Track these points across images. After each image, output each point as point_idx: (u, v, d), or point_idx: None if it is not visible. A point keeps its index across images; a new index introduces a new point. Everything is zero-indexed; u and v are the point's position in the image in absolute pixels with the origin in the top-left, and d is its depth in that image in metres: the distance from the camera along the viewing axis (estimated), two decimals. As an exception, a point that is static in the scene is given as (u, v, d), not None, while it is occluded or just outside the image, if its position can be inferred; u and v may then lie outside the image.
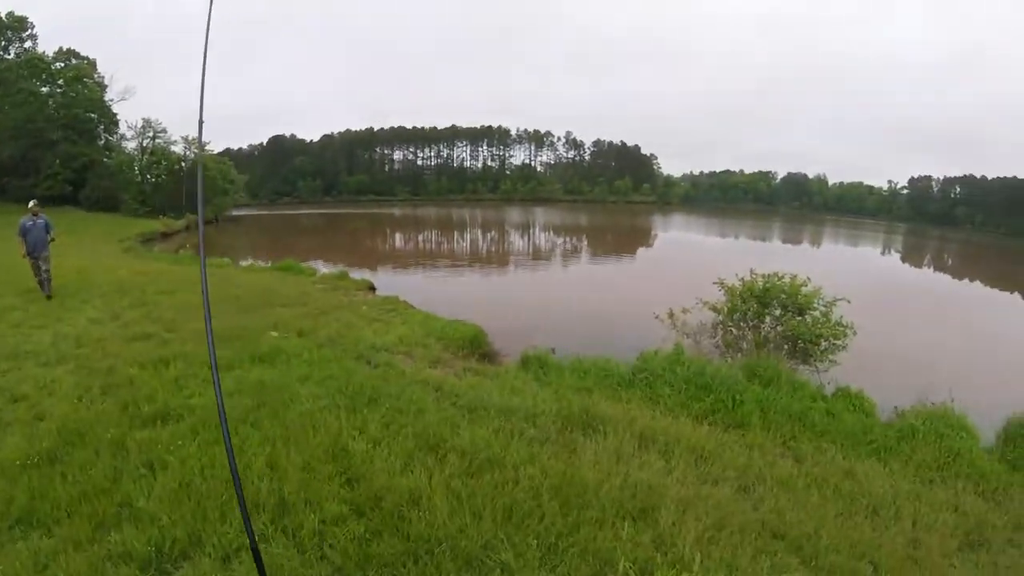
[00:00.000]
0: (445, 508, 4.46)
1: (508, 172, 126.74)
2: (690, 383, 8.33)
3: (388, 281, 21.62)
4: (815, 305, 11.57)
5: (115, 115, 63.47)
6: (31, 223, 13.31)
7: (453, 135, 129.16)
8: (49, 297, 13.22)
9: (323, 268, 22.53)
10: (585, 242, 40.40)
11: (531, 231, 50.92)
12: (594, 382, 8.47)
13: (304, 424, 5.95)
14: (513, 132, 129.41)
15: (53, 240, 13.74)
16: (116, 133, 64.50)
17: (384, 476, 4.96)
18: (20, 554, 4.15)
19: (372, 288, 18.45)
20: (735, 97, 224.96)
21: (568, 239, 43.26)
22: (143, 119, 61.40)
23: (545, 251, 34.40)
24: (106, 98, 62.29)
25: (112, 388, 7.22)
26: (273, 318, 11.28)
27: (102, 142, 62.61)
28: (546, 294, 20.94)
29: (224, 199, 61.39)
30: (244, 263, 25.13)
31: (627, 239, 45.01)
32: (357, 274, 20.93)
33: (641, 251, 38.21)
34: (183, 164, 59.38)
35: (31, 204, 13.84)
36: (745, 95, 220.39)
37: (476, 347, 10.99)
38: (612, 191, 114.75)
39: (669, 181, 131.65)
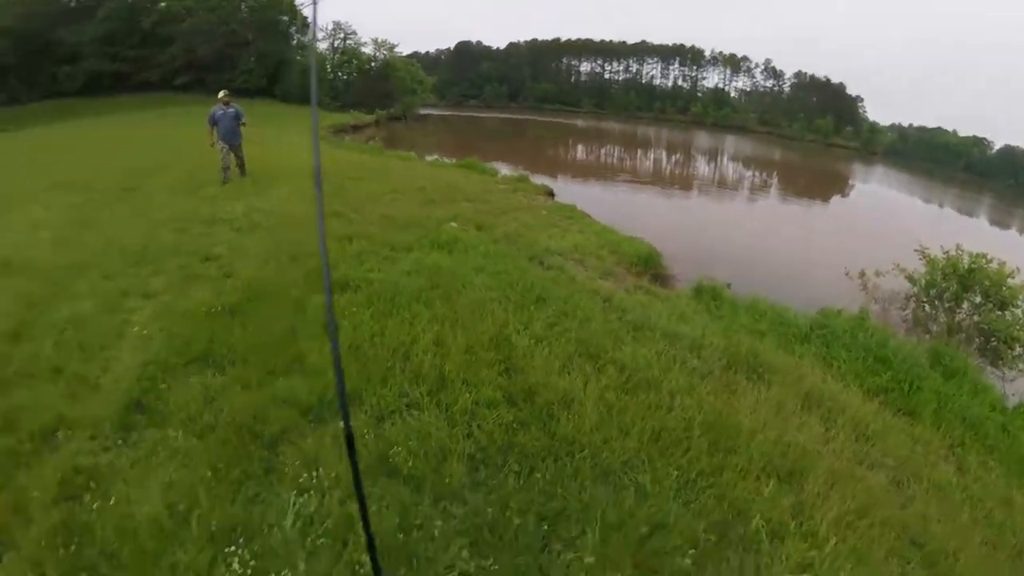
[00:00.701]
0: (594, 417, 4.40)
1: (699, 94, 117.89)
2: (869, 353, 7.46)
3: (567, 190, 21.37)
4: (1019, 302, 9.98)
5: (305, 18, 65.82)
6: (221, 112, 13.09)
7: (643, 51, 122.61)
8: (243, 175, 13.72)
9: (504, 170, 22.65)
10: (776, 179, 37.50)
11: (719, 159, 48.07)
12: (768, 327, 7.90)
13: (473, 310, 6.04)
14: (707, 53, 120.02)
15: (245, 125, 13.55)
16: (307, 35, 67.51)
17: (541, 373, 4.94)
18: (192, 387, 4.61)
19: (551, 194, 18.26)
20: (961, 53, 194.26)
21: (758, 173, 40.37)
22: (333, 22, 64.27)
23: (731, 182, 32.44)
24: (296, 1, 65.09)
25: (298, 257, 7.64)
26: (454, 211, 11.47)
27: (294, 42, 65.85)
28: (727, 227, 19.75)
29: (412, 98, 63.73)
30: (429, 158, 25.82)
31: (821, 183, 40.77)
32: (537, 179, 20.86)
33: (835, 199, 34.56)
34: (372, 64, 61.80)
35: (221, 94, 13.53)
36: (974, 49, 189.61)
37: (649, 267, 10.67)
38: (811, 129, 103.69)
39: (874, 128, 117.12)
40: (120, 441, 4.11)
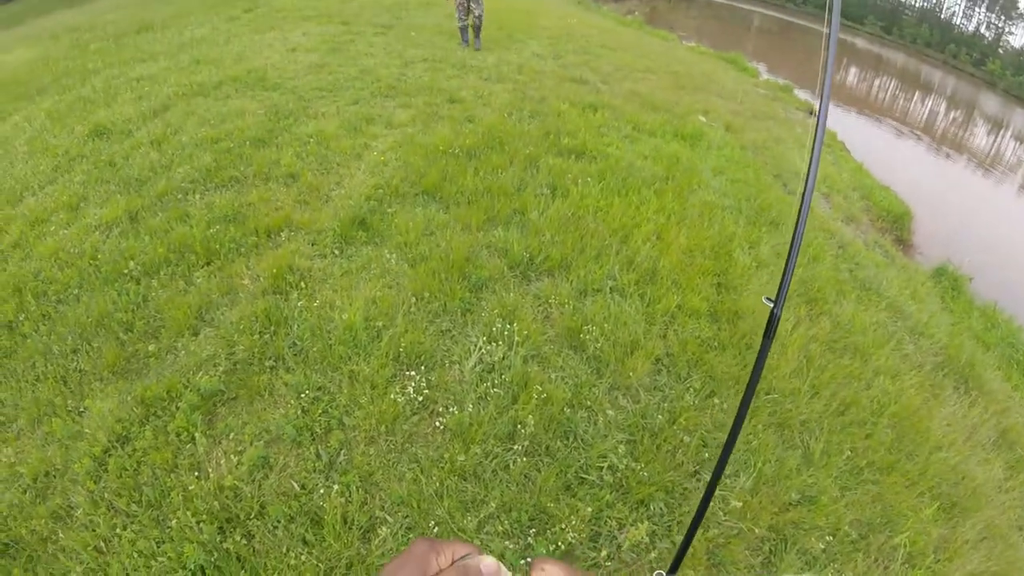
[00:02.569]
0: (792, 364, 4.01)
1: (1000, 51, 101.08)
2: None
3: (830, 113, 19.44)
4: None
5: None
6: None
7: None
8: (477, 43, 11.06)
9: (765, 74, 21.00)
10: None
11: (1001, 132, 41.18)
12: (996, 341, 6.77)
13: (702, 212, 5.65)
14: (1022, 5, 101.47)
15: None
16: None
17: (754, 299, 4.54)
18: (416, 216, 4.79)
19: (813, 113, 16.67)
20: None
21: None
22: None
23: (1008, 163, 27.76)
24: None
25: (540, 115, 7.54)
26: (705, 104, 10.69)
27: None
28: (987, 211, 16.92)
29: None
30: (688, 43, 24.45)
31: None
32: (800, 93, 19.19)
33: None
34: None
35: None
36: None
37: (896, 227, 9.48)
38: None
39: None
40: (337, 251, 4.37)
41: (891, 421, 3.96)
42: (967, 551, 3.39)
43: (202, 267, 4.20)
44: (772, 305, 0.60)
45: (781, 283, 0.59)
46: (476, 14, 10.68)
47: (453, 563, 0.62)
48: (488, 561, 0.62)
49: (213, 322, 3.72)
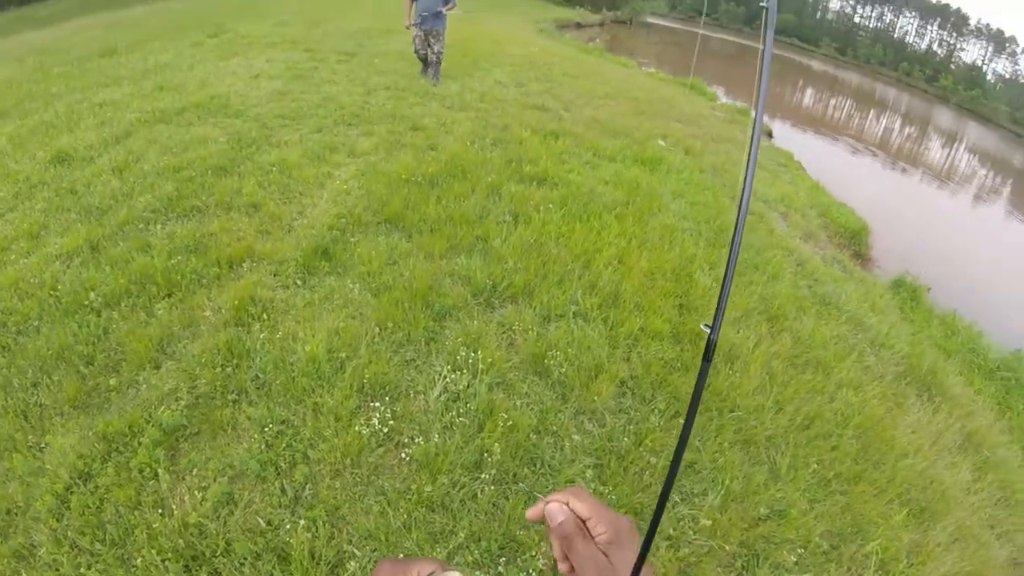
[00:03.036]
0: (755, 381, 4.11)
1: (952, 67, 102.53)
2: None
3: (786, 133, 19.86)
4: None
5: None
6: None
7: (903, 1, 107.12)
8: (436, 79, 10.63)
9: (724, 97, 21.46)
10: (1010, 188, 32.38)
11: (955, 146, 42.35)
12: (956, 348, 6.99)
13: (663, 236, 5.79)
14: (972, 22, 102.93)
15: (452, 8, 10.34)
16: None
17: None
18: (379, 245, 4.82)
19: (770, 135, 17.07)
20: None
21: (992, 175, 35.03)
22: None
23: (961, 176, 28.53)
24: None
25: (502, 143, 7.67)
26: (664, 128, 10.93)
27: None
28: (942, 223, 17.43)
29: (641, 3, 61.59)
30: (648, 69, 24.88)
31: None
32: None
33: None
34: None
35: None
36: None
37: (854, 242, 9.72)
38: None
39: None
40: (300, 282, 4.36)
41: (856, 432, 4.08)
42: (940, 554, 3.49)
43: (163, 299, 4.15)
44: (709, 331, 0.63)
45: (717, 308, 0.62)
46: (435, 49, 10.44)
47: None
48: (454, 575, 0.64)
49: (175, 355, 3.67)
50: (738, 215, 0.75)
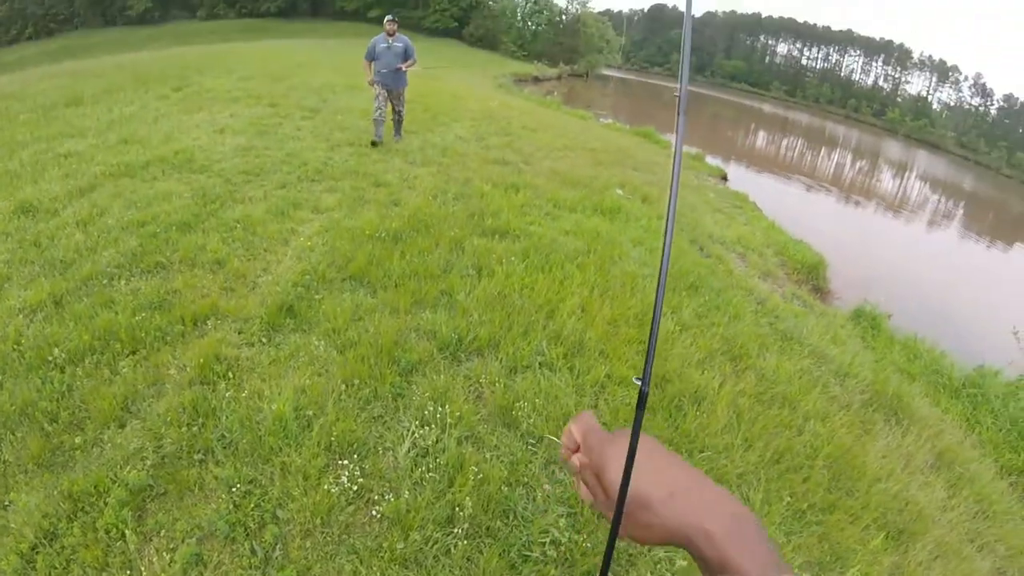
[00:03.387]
0: (722, 420, 4.20)
1: (899, 99, 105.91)
2: (1015, 427, 6.48)
3: (740, 175, 20.44)
4: None
5: None
6: (384, 45, 9.90)
7: (848, 41, 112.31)
8: (398, 136, 10.74)
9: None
10: (961, 210, 33.51)
11: (905, 175, 43.74)
12: (920, 371, 7.18)
13: (624, 283, 5.91)
14: (915, 56, 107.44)
15: (412, 65, 10.21)
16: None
17: (678, 362, 4.78)
18: (344, 301, 4.86)
19: (724, 178, 17.55)
20: None
21: (943, 200, 36.21)
22: None
23: (913, 203, 29.48)
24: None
25: (464, 197, 7.81)
26: (622, 177, 11.20)
27: None
28: (898, 251, 17.96)
29: (597, 56, 63.63)
30: (604, 120, 25.51)
31: (1009, 226, 35.55)
32: (712, 160, 20.15)
33: (1021, 247, 29.75)
34: (563, 17, 61.91)
35: (387, 20, 10.17)
36: None
37: (812, 277, 9.98)
38: (1010, 163, 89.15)
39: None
40: (265, 339, 4.36)
41: (827, 462, 4.16)
42: (922, 573, 3.56)
43: (127, 356, 4.11)
44: (640, 384, 0.67)
45: (646, 362, 0.66)
46: (397, 109, 10.46)
47: None
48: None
49: (139, 413, 3.64)
50: (661, 267, 0.81)
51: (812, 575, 3.25)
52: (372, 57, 10.03)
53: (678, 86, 0.86)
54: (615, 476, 0.67)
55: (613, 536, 0.69)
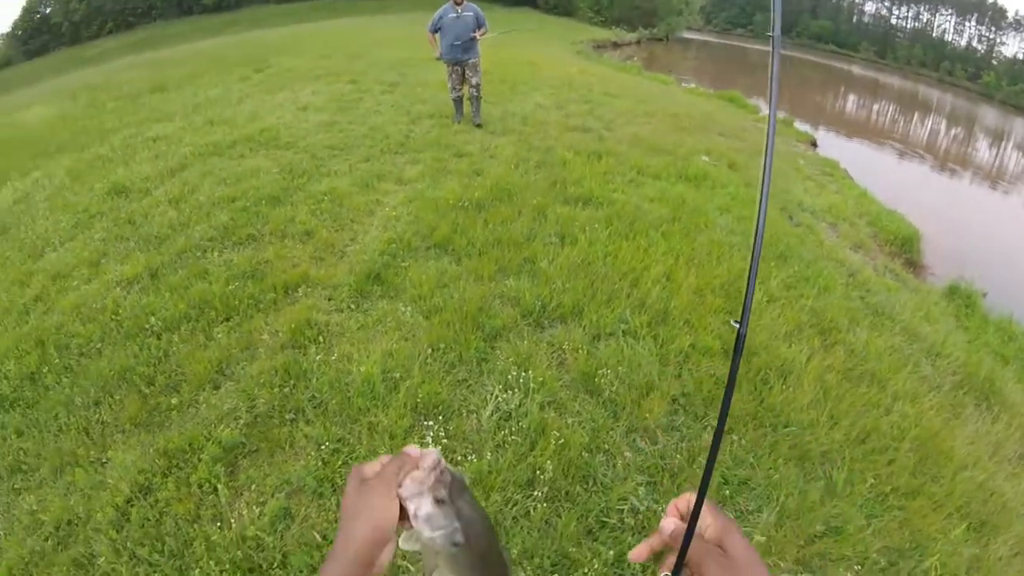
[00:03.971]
0: (808, 395, 4.02)
1: (994, 62, 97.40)
2: None
3: (830, 141, 19.43)
4: None
5: None
6: (454, 15, 8.94)
7: None
8: (478, 126, 9.69)
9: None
10: None
11: (1003, 144, 40.76)
12: (1015, 354, 6.72)
13: (711, 251, 5.75)
14: (1011, 14, 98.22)
15: (485, 33, 9.31)
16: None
17: (766, 335, 4.60)
18: (429, 269, 4.93)
19: (814, 144, 16.77)
20: None
21: None
22: None
23: (1012, 174, 27.58)
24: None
25: (546, 165, 7.75)
26: (707, 144, 10.88)
27: None
28: (996, 224, 16.69)
29: (677, 19, 61.62)
30: (687, 84, 24.82)
31: None
32: (800, 125, 19.35)
33: None
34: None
35: None
36: None
37: (905, 249, 9.46)
38: None
39: None
40: (353, 306, 4.48)
41: (913, 445, 3.94)
42: (1000, 568, 3.37)
43: (222, 323, 4.31)
44: (738, 326, 0.66)
45: (745, 302, 0.65)
46: (473, 83, 9.46)
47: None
48: (418, 450, 0.76)
49: (233, 376, 3.80)
50: (759, 213, 0.79)
51: (888, 561, 3.15)
52: (436, 29, 9.12)
53: (770, 51, 0.83)
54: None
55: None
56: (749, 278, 0.73)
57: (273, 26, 40.47)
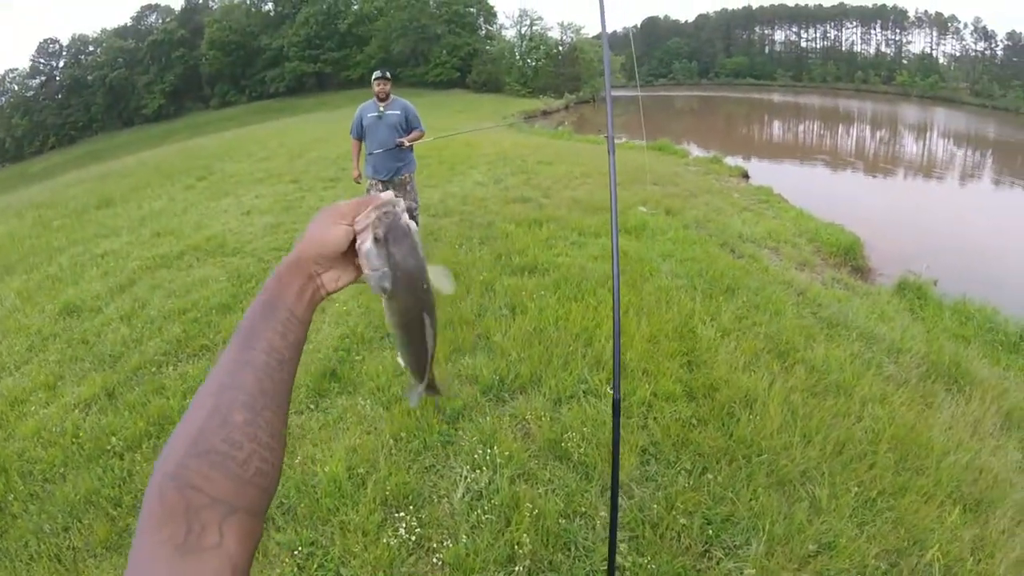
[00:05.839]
0: (777, 420, 4.08)
1: (904, 61, 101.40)
2: None
3: (762, 170, 20.18)
4: None
5: (492, 7, 72.26)
6: (375, 113, 6.71)
7: (841, 14, 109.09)
8: None
9: (696, 151, 21.95)
10: (990, 160, 32.32)
11: (927, 135, 42.54)
12: (974, 332, 6.93)
13: (659, 298, 5.90)
14: (911, 14, 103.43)
15: (421, 136, 6.96)
16: (495, 24, 72.96)
17: (724, 368, 4.70)
18: (385, 360, 5.00)
19: (745, 175, 17.28)
20: None
21: (970, 153, 34.86)
22: (519, 8, 67.35)
23: (941, 163, 28.60)
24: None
25: (489, 239, 7.94)
26: (643, 195, 11.21)
27: (482, 32, 69.86)
28: (934, 215, 17.21)
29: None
30: (618, 141, 25.54)
31: None
32: (731, 160, 19.98)
33: None
34: (560, 48, 62.98)
35: (375, 78, 6.79)
36: None
37: (849, 258, 9.78)
38: None
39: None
40: (312, 406, 4.48)
41: (891, 444, 4.01)
42: (1006, 541, 3.40)
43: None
44: (614, 392, 0.68)
45: (614, 370, 0.69)
46: (405, 207, 7.05)
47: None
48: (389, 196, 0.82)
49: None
50: (614, 288, 0.84)
51: (889, 564, 3.15)
52: (360, 134, 6.93)
53: (607, 128, 0.90)
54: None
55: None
56: (615, 347, 0.78)
57: (213, 132, 41.14)
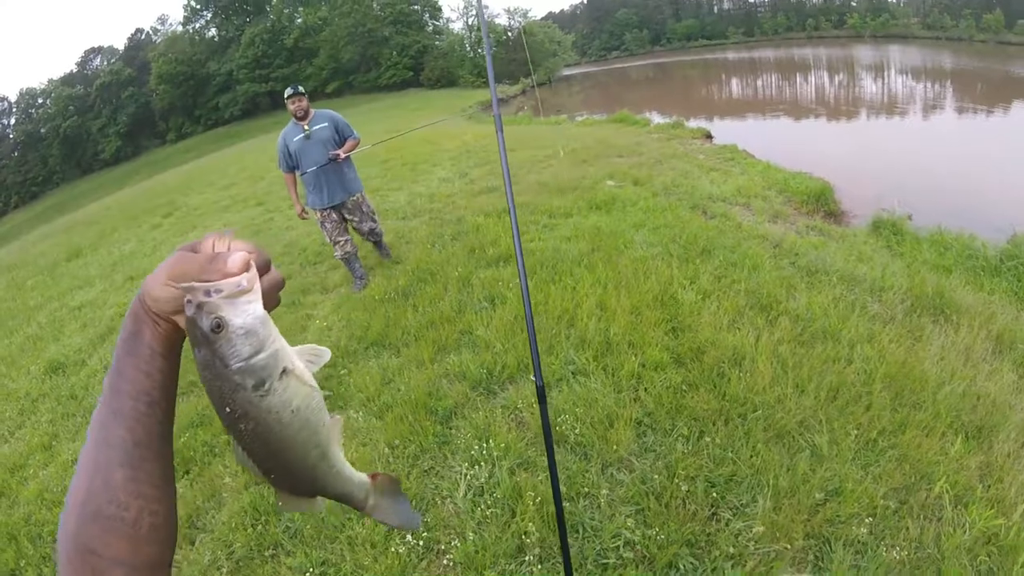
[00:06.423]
0: (767, 374, 4.09)
1: (853, 3, 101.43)
2: None
3: (725, 129, 20.27)
4: None
5: (436, 2, 72.45)
6: (300, 135, 6.16)
7: None
8: (388, 259, 7.39)
9: (657, 118, 21.97)
10: (950, 91, 32.52)
11: (885, 74, 42.85)
12: (954, 261, 7.00)
13: (636, 270, 5.88)
14: None
15: (356, 145, 6.43)
16: (441, 18, 73.38)
17: (709, 330, 4.71)
18: (371, 369, 4.92)
19: (709, 136, 17.37)
20: None
21: (929, 86, 35.05)
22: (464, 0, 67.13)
23: (902, 100, 28.77)
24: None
25: (460, 235, 7.92)
26: (609, 168, 11.24)
27: (430, 28, 69.67)
28: (901, 152, 17.31)
29: (553, 60, 64.35)
30: (579, 118, 25.58)
31: (1003, 87, 34.23)
32: (693, 123, 20.01)
33: (1018, 106, 28.31)
34: (509, 34, 63.00)
35: (287, 95, 6.09)
36: None
37: (821, 204, 9.80)
38: (980, 28, 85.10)
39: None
40: (305, 425, 4.46)
41: (885, 383, 4.02)
42: (1013, 463, 3.44)
43: (182, 477, 4.24)
44: (536, 380, 0.68)
45: (533, 360, 0.68)
46: (364, 230, 6.80)
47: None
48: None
49: (206, 527, 3.74)
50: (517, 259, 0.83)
51: (899, 501, 3.17)
52: (291, 164, 6.31)
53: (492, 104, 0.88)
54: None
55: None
56: (529, 336, 0.77)
57: (173, 166, 40.95)
